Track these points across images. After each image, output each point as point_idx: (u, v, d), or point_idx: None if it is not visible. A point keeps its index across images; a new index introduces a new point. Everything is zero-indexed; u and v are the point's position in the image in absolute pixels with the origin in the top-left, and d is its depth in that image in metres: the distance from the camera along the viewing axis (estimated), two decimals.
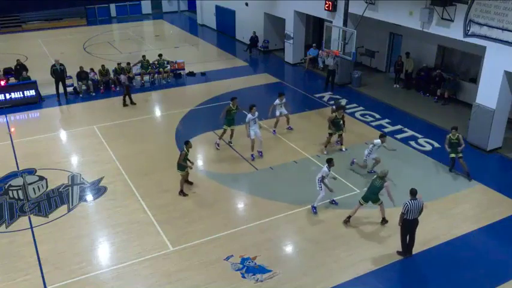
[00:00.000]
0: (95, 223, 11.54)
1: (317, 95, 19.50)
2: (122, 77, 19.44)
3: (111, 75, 20.66)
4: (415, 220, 9.82)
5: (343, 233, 11.06)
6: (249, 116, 14.03)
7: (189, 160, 12.41)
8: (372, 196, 10.97)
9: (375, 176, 11.06)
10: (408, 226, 9.84)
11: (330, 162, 11.51)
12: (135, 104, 18.79)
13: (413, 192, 9.69)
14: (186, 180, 12.77)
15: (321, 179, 11.50)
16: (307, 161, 14.20)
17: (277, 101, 15.80)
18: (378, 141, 13.05)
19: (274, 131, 16.11)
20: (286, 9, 23.19)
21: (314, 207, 11.76)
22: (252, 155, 14.37)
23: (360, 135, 15.84)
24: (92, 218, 11.72)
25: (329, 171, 11.55)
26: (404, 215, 9.69)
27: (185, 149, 12.23)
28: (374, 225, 11.12)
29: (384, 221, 11.25)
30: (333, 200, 12.12)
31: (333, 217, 11.59)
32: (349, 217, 11.26)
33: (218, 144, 14.93)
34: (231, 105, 14.67)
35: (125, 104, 18.66)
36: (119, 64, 20.70)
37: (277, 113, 15.91)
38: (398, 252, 10.21)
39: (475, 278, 9.74)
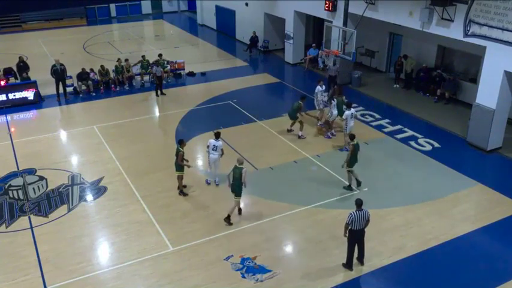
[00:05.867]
0: (95, 223, 11.52)
1: None
2: (156, 69, 19.60)
3: (111, 75, 20.66)
4: (361, 230, 9.60)
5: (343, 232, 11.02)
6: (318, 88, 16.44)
7: (185, 159, 12.40)
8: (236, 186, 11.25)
9: (234, 166, 11.27)
10: (354, 237, 9.64)
11: (217, 135, 12.53)
12: (164, 94, 19.82)
13: (358, 203, 9.44)
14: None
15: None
16: (307, 161, 14.19)
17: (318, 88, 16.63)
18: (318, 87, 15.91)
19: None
20: (286, 9, 23.18)
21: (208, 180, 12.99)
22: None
23: (359, 135, 15.72)
24: (92, 218, 11.71)
25: (215, 141, 12.44)
26: (349, 225, 9.48)
27: (181, 149, 12.19)
28: (374, 226, 11.09)
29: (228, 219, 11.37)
30: (207, 180, 13.05)
31: (333, 217, 11.57)
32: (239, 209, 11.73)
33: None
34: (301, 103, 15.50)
35: (157, 94, 19.66)
36: (118, 60, 20.71)
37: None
38: (343, 264, 9.93)
39: (475, 278, 9.73)
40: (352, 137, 12.51)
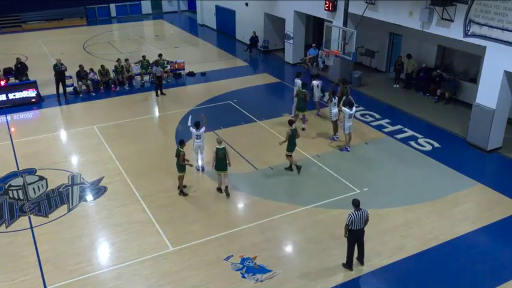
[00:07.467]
0: (95, 223, 11.50)
1: None
2: (156, 69, 19.60)
3: (111, 75, 20.66)
4: (361, 230, 9.59)
5: (343, 233, 11.02)
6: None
7: (186, 159, 12.41)
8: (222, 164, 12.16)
9: (216, 147, 12.06)
10: (354, 237, 9.64)
11: (197, 125, 13.25)
12: (164, 94, 19.87)
13: (356, 203, 9.42)
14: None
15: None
16: (307, 161, 14.15)
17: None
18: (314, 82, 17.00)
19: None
20: (286, 9, 23.16)
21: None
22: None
23: (359, 135, 15.80)
24: (91, 218, 11.69)
25: (196, 131, 13.22)
26: (349, 226, 9.47)
27: (182, 149, 12.20)
28: (374, 226, 11.11)
29: (226, 192, 12.44)
30: (198, 167, 13.71)
31: (333, 217, 11.56)
32: (219, 188, 12.52)
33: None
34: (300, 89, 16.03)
35: (157, 94, 19.75)
36: (118, 60, 20.70)
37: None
38: (343, 264, 9.91)
39: (475, 278, 9.72)
40: (290, 122, 13.31)
